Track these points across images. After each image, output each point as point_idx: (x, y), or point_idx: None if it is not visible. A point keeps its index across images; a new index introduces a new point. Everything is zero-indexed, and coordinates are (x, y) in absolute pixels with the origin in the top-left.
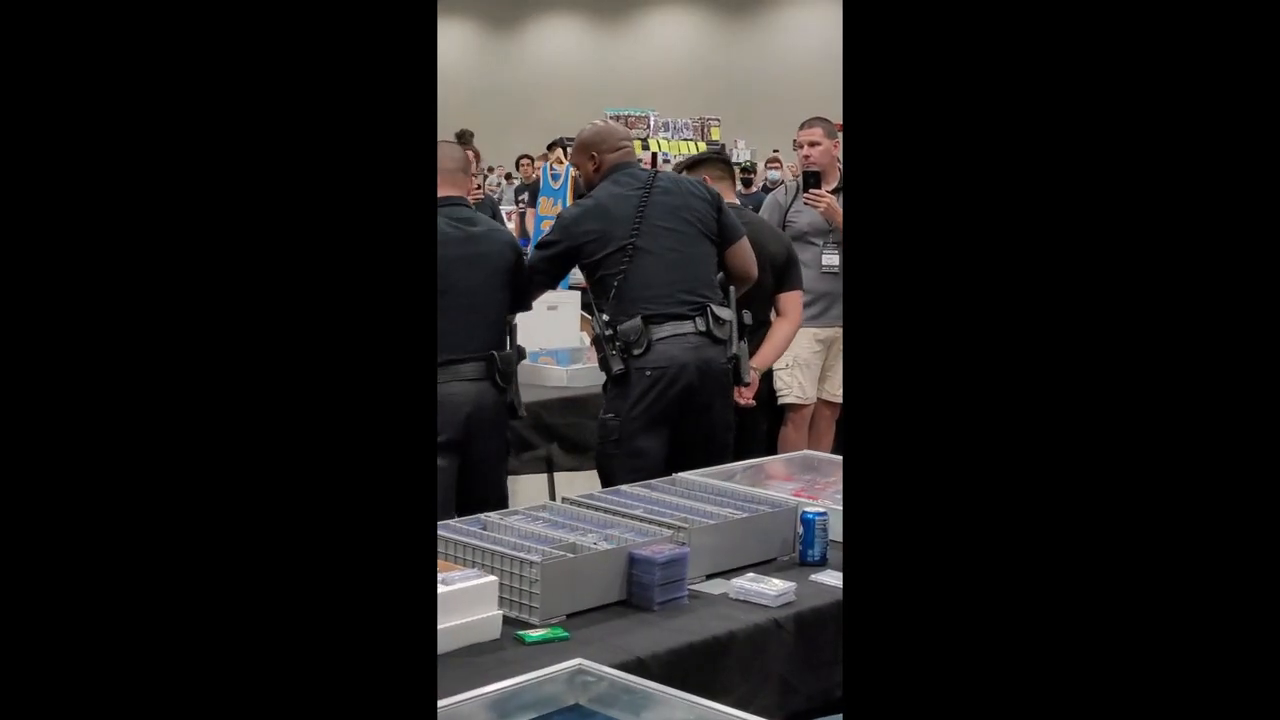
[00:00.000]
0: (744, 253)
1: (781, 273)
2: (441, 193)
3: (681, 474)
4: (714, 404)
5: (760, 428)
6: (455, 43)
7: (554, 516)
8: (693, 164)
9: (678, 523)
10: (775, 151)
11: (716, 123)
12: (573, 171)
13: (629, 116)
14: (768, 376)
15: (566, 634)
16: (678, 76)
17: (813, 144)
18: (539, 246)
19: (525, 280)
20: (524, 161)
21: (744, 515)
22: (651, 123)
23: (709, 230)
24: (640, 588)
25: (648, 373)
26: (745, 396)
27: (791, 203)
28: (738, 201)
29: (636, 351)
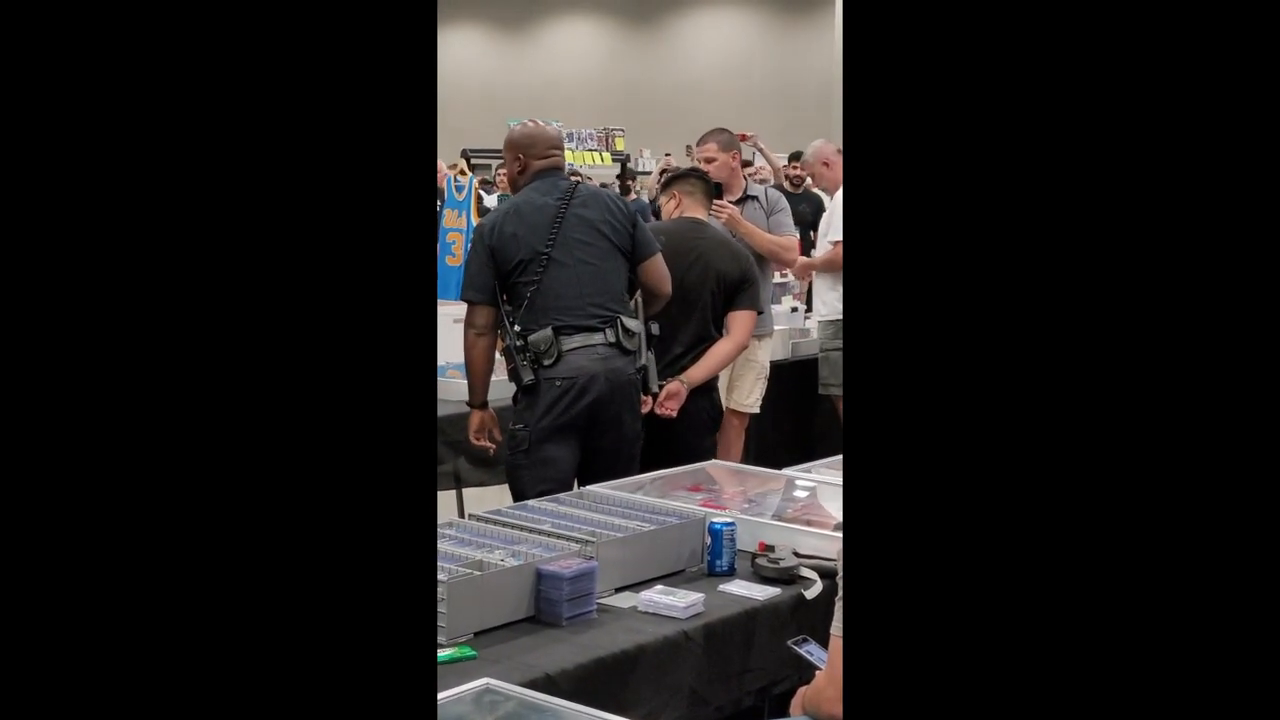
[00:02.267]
0: (655, 269)
1: (733, 291)
2: None
3: (589, 487)
4: (623, 415)
5: (704, 443)
6: None
7: (460, 534)
8: (671, 180)
9: (585, 536)
10: (667, 155)
11: (621, 133)
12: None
13: (522, 125)
14: (705, 391)
15: (474, 652)
16: (581, 87)
17: (709, 160)
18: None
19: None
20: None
21: (652, 528)
22: None
23: (623, 245)
24: (548, 603)
25: (557, 383)
26: (665, 407)
27: None
28: (705, 217)
29: (547, 362)
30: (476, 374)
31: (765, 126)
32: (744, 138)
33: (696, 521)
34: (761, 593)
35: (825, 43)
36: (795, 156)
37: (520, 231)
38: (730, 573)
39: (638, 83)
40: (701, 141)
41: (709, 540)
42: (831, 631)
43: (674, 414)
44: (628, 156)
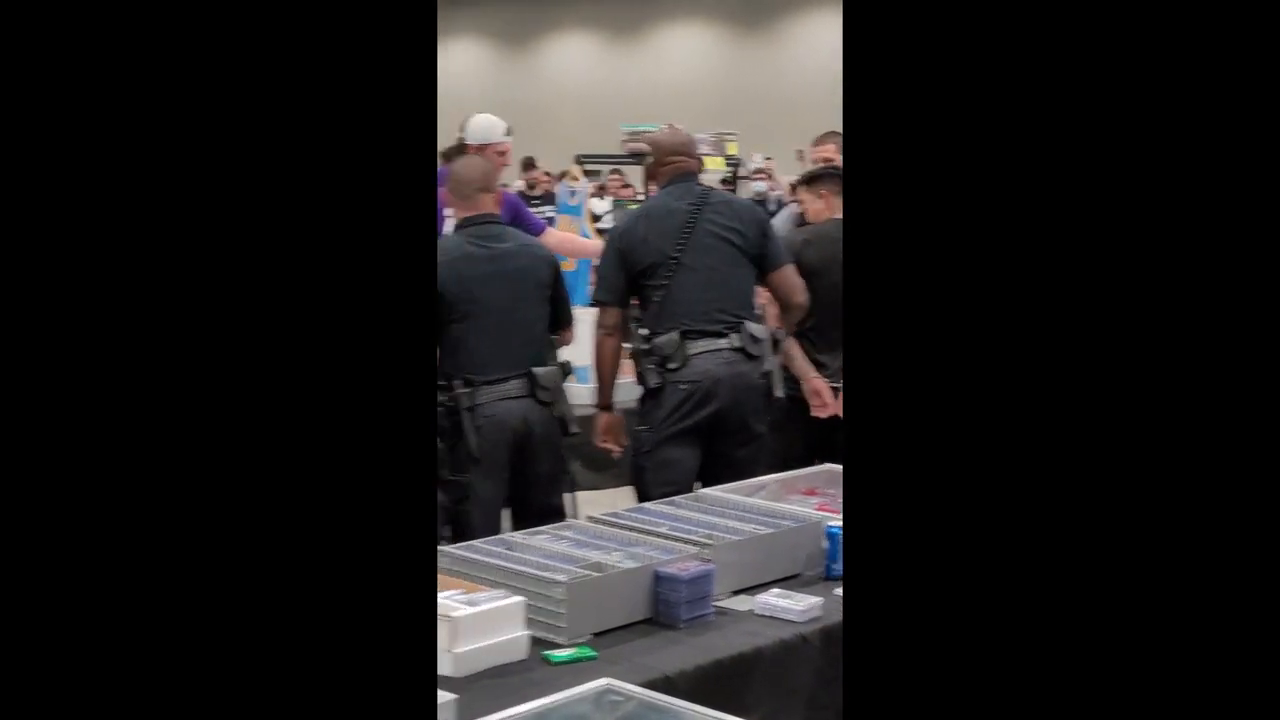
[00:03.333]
0: (783, 279)
1: None
2: (464, 214)
3: (706, 490)
4: (747, 419)
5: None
6: (469, 59)
7: (578, 535)
8: (814, 178)
9: (703, 539)
10: (768, 160)
11: (733, 137)
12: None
13: (644, 133)
14: None
15: (594, 653)
16: (693, 92)
17: (827, 160)
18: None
19: (564, 295)
20: (533, 173)
21: (769, 531)
22: None
23: (752, 252)
24: (666, 605)
25: (682, 386)
26: (826, 408)
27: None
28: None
29: (672, 365)
30: (603, 375)
31: None
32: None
33: (813, 525)
34: None
35: None
36: None
37: (650, 236)
38: None
39: (748, 87)
40: (819, 142)
41: (826, 544)
42: None
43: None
44: (739, 161)
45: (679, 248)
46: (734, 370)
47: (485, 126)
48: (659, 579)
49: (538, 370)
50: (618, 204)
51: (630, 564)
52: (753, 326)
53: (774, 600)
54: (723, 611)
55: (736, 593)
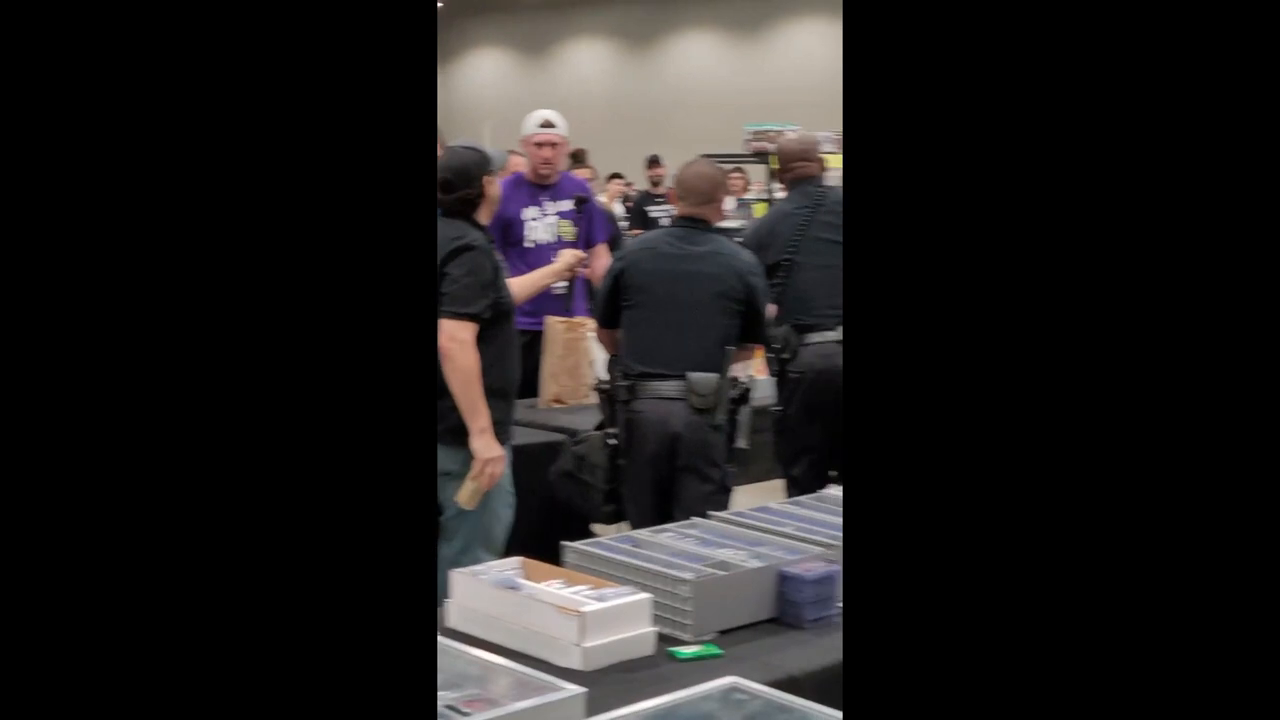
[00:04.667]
0: None
1: None
2: (681, 214)
3: (830, 490)
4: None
5: None
6: (593, 59)
7: (704, 534)
8: None
9: (828, 540)
10: None
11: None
12: None
13: (769, 131)
14: None
15: (720, 651)
16: (817, 89)
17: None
18: None
19: (758, 311)
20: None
21: None
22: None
23: None
24: (791, 605)
25: (793, 375)
26: None
27: None
28: None
29: (786, 356)
30: None
31: None
32: None
33: None
34: None
35: None
36: None
37: (768, 239)
38: None
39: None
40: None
41: None
42: None
43: None
44: None
45: (790, 248)
46: (837, 362)
47: (527, 121)
48: (784, 579)
49: (693, 376)
50: (741, 203)
51: (756, 563)
52: None
53: None
54: None
55: None
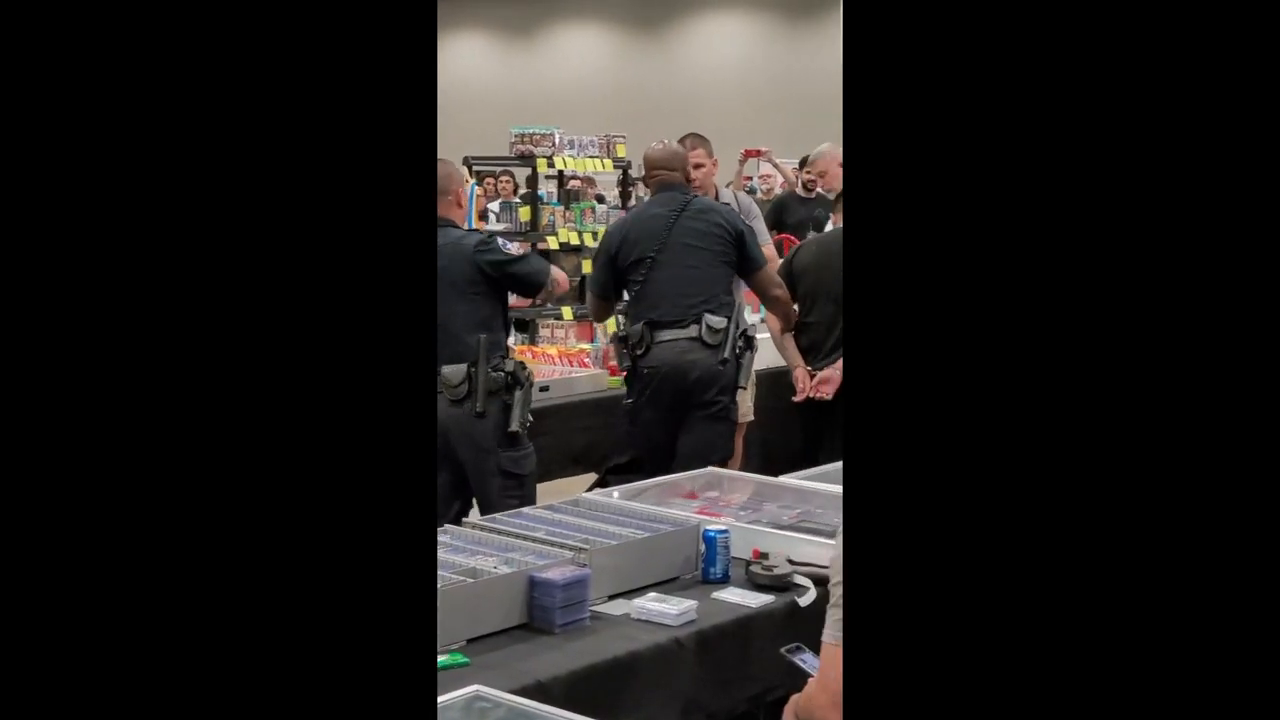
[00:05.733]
0: (757, 281)
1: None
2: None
3: (587, 494)
4: (703, 399)
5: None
6: None
7: (454, 540)
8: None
9: (579, 544)
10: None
11: (622, 140)
12: (477, 190)
13: (534, 135)
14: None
15: (466, 659)
16: (584, 94)
17: (698, 165)
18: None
19: (508, 276)
20: None
21: (645, 535)
22: (556, 140)
23: (726, 256)
24: (541, 611)
25: (645, 370)
26: (819, 390)
27: None
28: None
29: (639, 352)
30: None
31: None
32: (758, 153)
33: (690, 529)
34: (755, 600)
35: (830, 49)
36: (804, 162)
37: (630, 238)
38: (724, 580)
39: (641, 89)
40: (693, 146)
41: (703, 548)
42: (823, 639)
43: (829, 396)
44: (629, 163)
45: (656, 248)
46: (688, 358)
47: None
48: (534, 584)
49: (443, 369)
50: (505, 205)
51: (505, 570)
52: (711, 318)
53: (650, 604)
54: (598, 616)
55: (613, 597)
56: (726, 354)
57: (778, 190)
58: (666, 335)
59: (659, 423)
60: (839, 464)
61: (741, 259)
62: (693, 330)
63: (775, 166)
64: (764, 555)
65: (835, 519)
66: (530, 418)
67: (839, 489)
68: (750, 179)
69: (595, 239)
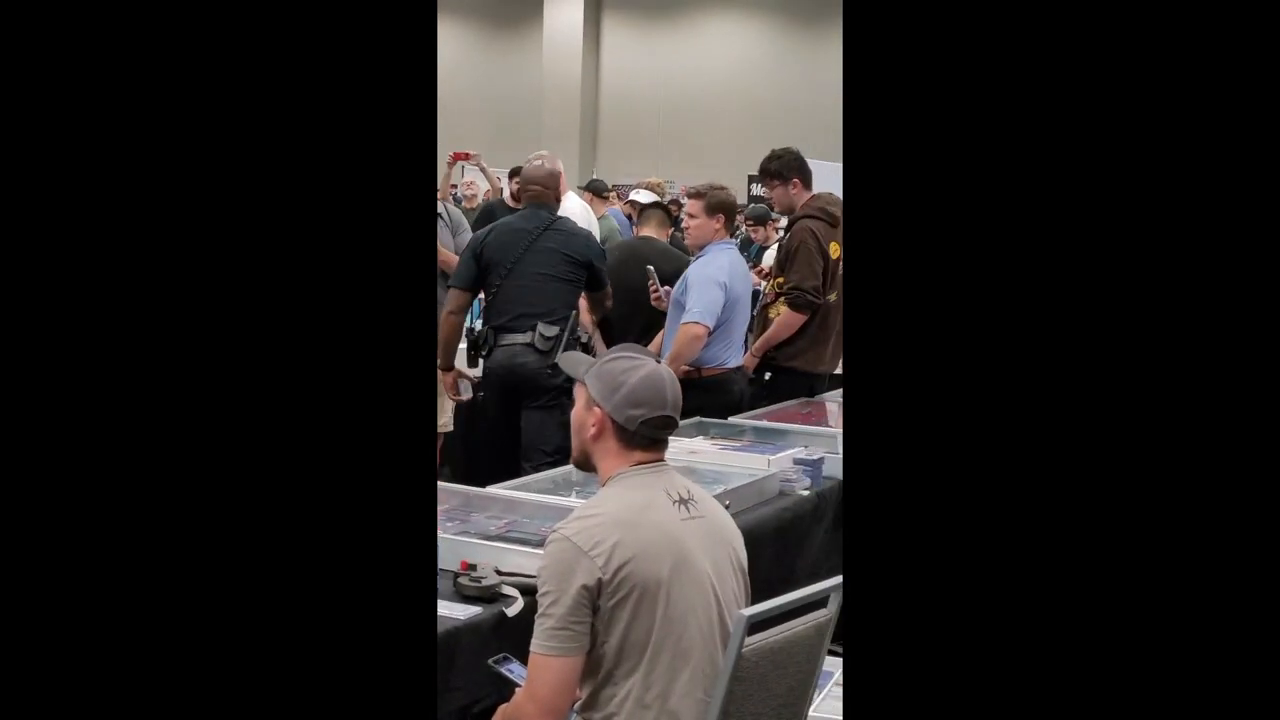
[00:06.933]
0: (591, 300)
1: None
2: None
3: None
4: (532, 402)
5: None
6: None
7: None
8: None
9: None
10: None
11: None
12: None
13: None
14: None
15: None
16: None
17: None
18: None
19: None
20: None
21: None
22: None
23: (573, 276)
24: None
25: (487, 370)
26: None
27: None
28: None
29: (484, 354)
30: (445, 344)
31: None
32: (467, 156)
33: None
34: (463, 611)
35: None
36: (514, 172)
37: (492, 245)
38: None
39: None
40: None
41: None
42: (532, 649)
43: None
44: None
45: (514, 260)
46: (518, 360)
47: None
48: None
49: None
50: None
51: None
52: (544, 327)
53: None
54: None
55: None
56: (557, 359)
57: (481, 199)
58: (505, 340)
59: (499, 417)
60: (546, 473)
61: (590, 278)
62: (527, 336)
63: (484, 172)
64: (472, 566)
65: (543, 528)
66: None
67: (547, 499)
68: (455, 186)
69: None
